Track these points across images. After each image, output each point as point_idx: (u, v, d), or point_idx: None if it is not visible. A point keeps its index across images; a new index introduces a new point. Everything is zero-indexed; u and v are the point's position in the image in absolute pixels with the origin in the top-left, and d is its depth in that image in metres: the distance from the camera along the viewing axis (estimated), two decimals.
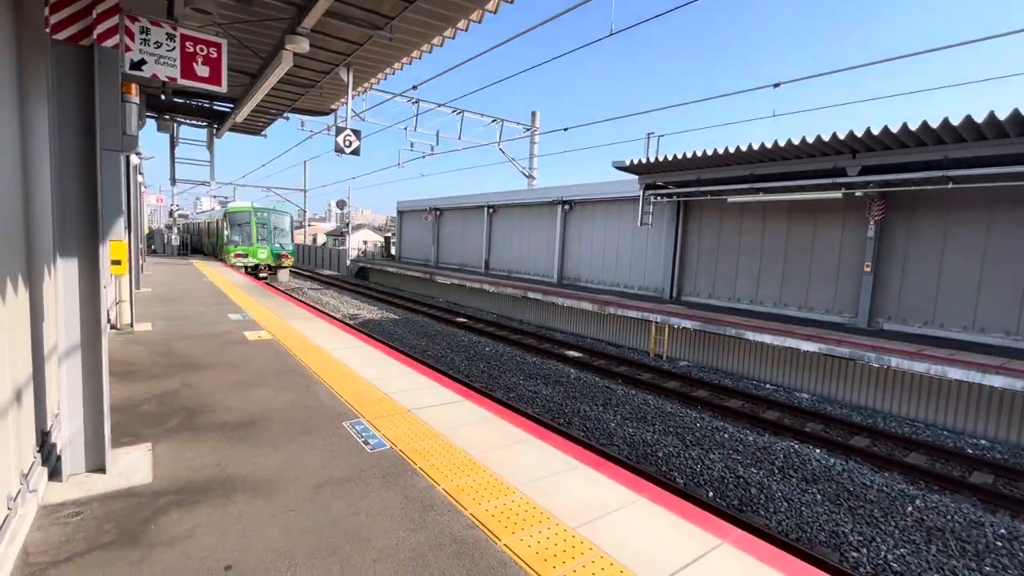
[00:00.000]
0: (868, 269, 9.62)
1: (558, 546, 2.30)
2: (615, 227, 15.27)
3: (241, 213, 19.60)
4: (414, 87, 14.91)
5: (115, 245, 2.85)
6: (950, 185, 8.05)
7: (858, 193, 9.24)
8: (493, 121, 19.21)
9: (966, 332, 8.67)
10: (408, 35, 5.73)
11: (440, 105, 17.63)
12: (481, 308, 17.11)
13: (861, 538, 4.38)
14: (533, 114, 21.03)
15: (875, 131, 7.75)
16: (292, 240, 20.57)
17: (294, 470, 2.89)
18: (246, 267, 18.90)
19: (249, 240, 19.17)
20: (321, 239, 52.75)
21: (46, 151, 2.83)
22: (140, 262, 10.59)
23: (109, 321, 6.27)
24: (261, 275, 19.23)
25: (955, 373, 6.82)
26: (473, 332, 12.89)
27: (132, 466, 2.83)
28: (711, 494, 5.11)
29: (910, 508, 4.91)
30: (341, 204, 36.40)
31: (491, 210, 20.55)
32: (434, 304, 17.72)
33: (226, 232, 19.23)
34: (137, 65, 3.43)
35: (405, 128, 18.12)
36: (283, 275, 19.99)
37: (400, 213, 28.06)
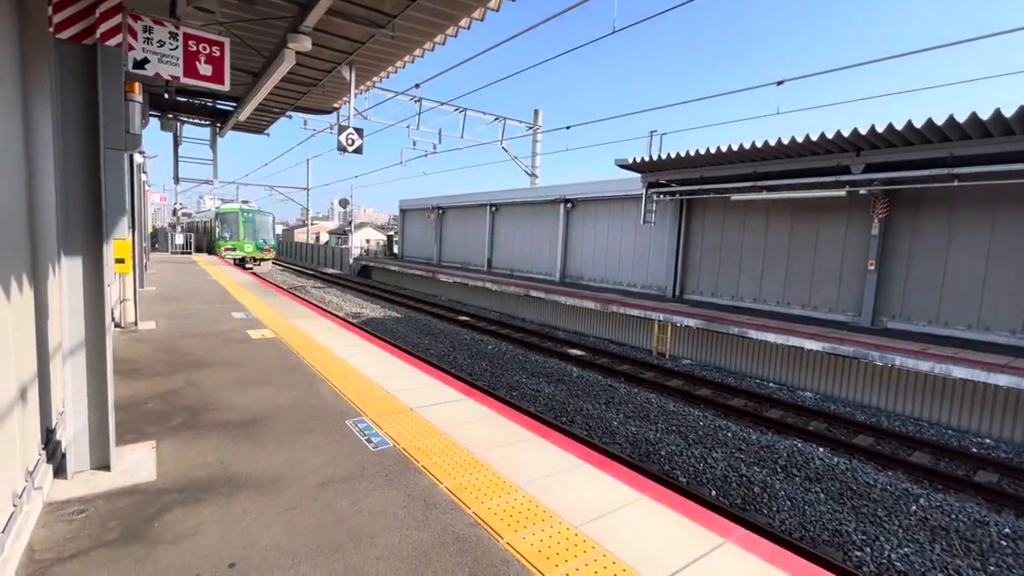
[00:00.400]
0: (872, 267, 9.57)
1: (561, 544, 2.31)
2: (618, 225, 15.24)
3: (230, 214, 22.70)
4: (416, 85, 14.88)
5: (119, 244, 2.86)
6: (955, 183, 8.00)
7: (862, 191, 9.20)
8: (496, 119, 19.18)
9: (971, 331, 8.62)
10: (410, 33, 5.72)
11: (442, 103, 17.61)
12: (484, 306, 17.12)
13: (865, 537, 4.37)
14: (535, 112, 20.99)
15: (879, 128, 7.69)
16: (273, 236, 24.10)
17: (297, 468, 2.90)
18: (234, 259, 21.90)
19: (237, 236, 22.27)
20: (324, 237, 52.87)
21: (50, 150, 2.84)
22: (144, 261, 10.63)
23: (113, 319, 6.30)
24: (247, 265, 22.32)
25: (959, 372, 6.79)
26: (476, 330, 12.89)
27: (136, 464, 2.84)
28: (714, 493, 5.10)
29: (914, 507, 4.89)
30: (344, 203, 36.46)
31: (493, 209, 20.53)
32: (437, 302, 17.74)
33: (217, 229, 22.40)
34: (140, 64, 3.43)
35: (407, 126, 18.11)
36: (265, 266, 23.78)
37: (403, 212, 28.05)
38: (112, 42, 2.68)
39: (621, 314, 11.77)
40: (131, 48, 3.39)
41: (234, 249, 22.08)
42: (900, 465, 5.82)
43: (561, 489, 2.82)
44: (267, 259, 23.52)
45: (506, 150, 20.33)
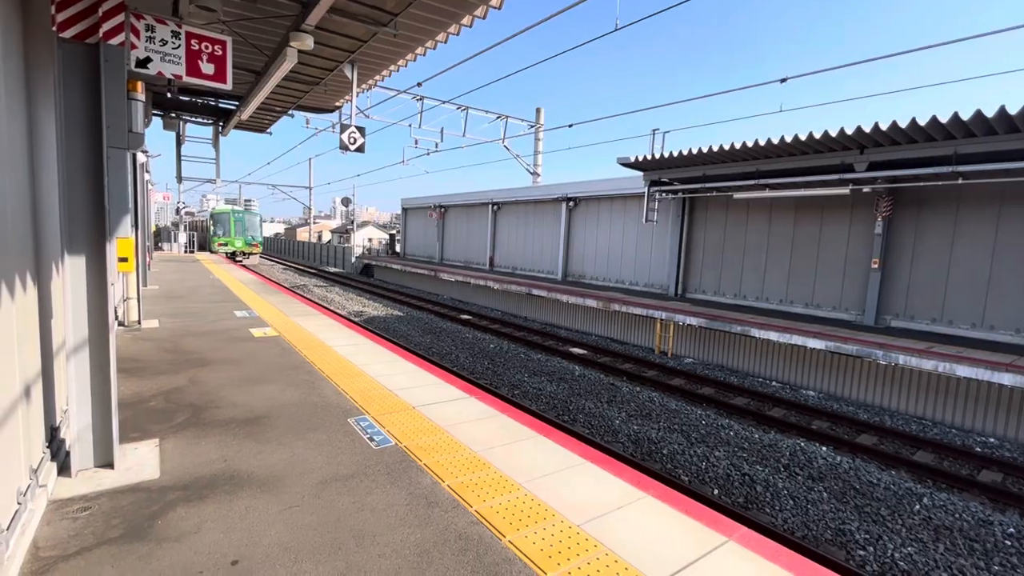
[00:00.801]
0: (876, 266, 9.53)
1: (563, 543, 2.31)
2: (620, 224, 15.21)
3: (223, 214, 26.68)
4: (419, 84, 14.87)
5: (122, 242, 2.87)
6: (960, 181, 7.95)
7: (866, 189, 9.15)
8: (498, 118, 19.15)
9: (975, 329, 8.57)
10: (412, 32, 5.71)
11: (444, 102, 17.59)
12: (486, 305, 17.12)
13: (868, 536, 4.36)
14: (537, 110, 20.95)
15: (883, 126, 7.65)
16: (260, 233, 28.17)
17: (299, 466, 2.91)
18: (226, 253, 25.66)
19: (229, 233, 26.11)
20: (326, 236, 52.95)
21: (54, 149, 2.85)
22: (148, 259, 10.67)
23: (117, 318, 6.32)
24: (238, 258, 25.91)
25: (963, 371, 6.75)
26: (478, 329, 12.90)
27: (140, 461, 2.86)
28: (716, 492, 5.09)
29: (917, 506, 4.88)
30: (346, 201, 36.51)
31: (495, 207, 20.52)
32: (439, 301, 17.75)
33: (212, 228, 26.30)
34: (143, 63, 3.44)
35: (409, 125, 18.11)
36: (254, 259, 27.41)
37: (405, 210, 28.06)
38: (115, 41, 2.68)
39: (623, 313, 11.76)
40: (133, 47, 3.40)
41: (226, 244, 26.03)
42: (903, 464, 5.80)
43: (563, 487, 2.82)
44: (254, 253, 27.55)
45: (508, 148, 20.31)
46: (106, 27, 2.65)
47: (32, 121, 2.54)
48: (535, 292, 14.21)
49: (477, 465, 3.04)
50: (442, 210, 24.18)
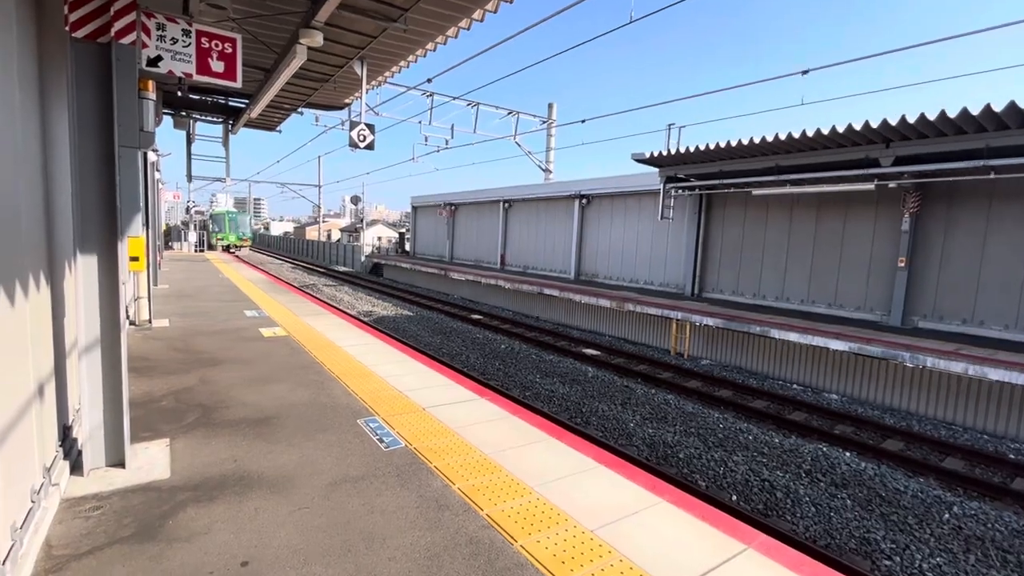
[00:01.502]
0: (902, 264, 9.22)
1: (576, 548, 2.24)
2: (634, 221, 15.02)
3: (220, 215, 34.75)
4: (428, 80, 14.84)
5: (133, 242, 2.87)
6: (992, 175, 7.64)
7: (892, 184, 8.85)
8: (509, 114, 19.07)
9: (1008, 331, 8.24)
10: (422, 27, 5.66)
11: (455, 98, 17.56)
12: (496, 305, 17.07)
13: (894, 546, 4.19)
14: (549, 106, 20.81)
15: (910, 119, 7.38)
16: (250, 230, 36.55)
17: (309, 467, 2.88)
18: (223, 246, 32.47)
19: (224, 230, 33.50)
20: (336, 235, 53.50)
21: (66, 149, 2.86)
22: (158, 259, 10.84)
23: (128, 317, 6.41)
24: (231, 250, 32.44)
25: (996, 374, 6.48)
26: (488, 329, 12.85)
27: (151, 461, 2.86)
28: (734, 497, 4.96)
29: (947, 515, 4.68)
30: (355, 200, 36.92)
31: (507, 205, 20.44)
32: (449, 300, 17.76)
33: (211, 226, 33.95)
34: (153, 62, 3.44)
35: (419, 122, 18.11)
36: (244, 251, 34.72)
37: (414, 208, 28.14)
38: (126, 40, 2.68)
39: (638, 312, 11.59)
40: (144, 46, 3.40)
41: (222, 239, 32.89)
42: (932, 471, 5.59)
43: (576, 491, 2.74)
44: (245, 246, 35.25)
45: (519, 145, 20.22)
46: (118, 26, 2.64)
47: (45, 121, 2.54)
48: (547, 292, 14.11)
49: (488, 468, 2.98)
50: (452, 208, 24.18)
